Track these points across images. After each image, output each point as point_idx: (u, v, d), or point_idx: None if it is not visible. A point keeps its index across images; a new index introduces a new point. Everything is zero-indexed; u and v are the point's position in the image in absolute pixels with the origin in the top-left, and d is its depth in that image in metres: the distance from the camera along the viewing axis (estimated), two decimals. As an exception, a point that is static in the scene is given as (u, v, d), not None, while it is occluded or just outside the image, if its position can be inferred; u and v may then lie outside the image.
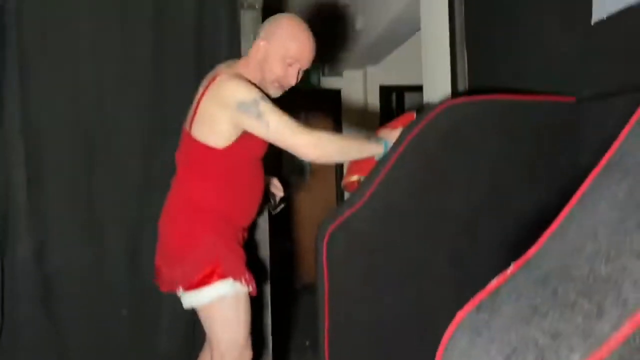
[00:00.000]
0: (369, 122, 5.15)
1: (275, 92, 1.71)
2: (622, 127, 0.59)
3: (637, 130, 0.51)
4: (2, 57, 1.90)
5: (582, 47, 1.55)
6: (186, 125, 1.72)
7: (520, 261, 0.51)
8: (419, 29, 2.88)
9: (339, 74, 5.26)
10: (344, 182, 1.77)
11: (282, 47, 1.62)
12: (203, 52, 2.11)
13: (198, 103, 1.64)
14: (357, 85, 5.22)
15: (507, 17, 1.94)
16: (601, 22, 1.48)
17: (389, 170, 1.44)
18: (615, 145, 0.54)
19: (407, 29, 3.49)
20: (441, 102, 1.49)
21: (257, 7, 2.12)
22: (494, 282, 0.53)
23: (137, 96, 2.07)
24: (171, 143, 2.02)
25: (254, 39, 2.01)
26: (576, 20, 1.56)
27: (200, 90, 1.67)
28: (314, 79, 5.17)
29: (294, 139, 1.54)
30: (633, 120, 0.56)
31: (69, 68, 2.00)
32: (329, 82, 5.27)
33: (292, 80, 1.68)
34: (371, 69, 5.06)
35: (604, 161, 0.53)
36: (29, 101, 1.94)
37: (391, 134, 1.61)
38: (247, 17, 2.12)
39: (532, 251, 0.51)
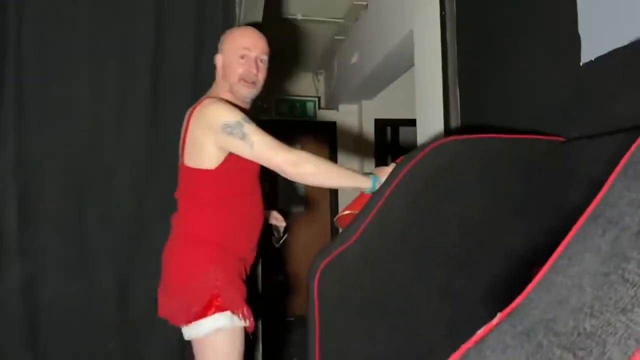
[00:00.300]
0: (364, 154, 5.18)
1: (248, 92, 1.78)
2: (610, 167, 0.59)
3: (621, 180, 0.52)
4: (0, 93, 1.91)
5: (571, 87, 1.58)
6: (179, 160, 1.76)
7: (506, 311, 0.51)
8: (413, 65, 2.92)
9: (335, 108, 5.32)
10: (337, 216, 1.77)
11: (230, 49, 1.76)
12: (199, 88, 2.13)
13: (185, 133, 1.70)
14: (352, 118, 5.27)
15: (499, 56, 1.97)
16: (590, 63, 1.50)
17: (380, 207, 1.44)
18: (600, 195, 0.54)
19: (401, 64, 3.55)
20: (432, 140, 1.50)
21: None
22: (480, 332, 0.52)
23: (131, 130, 2.08)
24: (164, 177, 2.02)
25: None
26: (566, 61, 1.59)
27: (185, 121, 1.73)
28: (310, 110, 5.23)
29: (276, 157, 1.57)
30: (617, 169, 0.56)
31: (65, 102, 2.01)
32: (325, 114, 5.33)
33: (252, 70, 1.75)
34: (366, 103, 5.11)
35: (588, 211, 0.53)
36: (25, 135, 1.95)
37: (383, 171, 1.63)
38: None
39: (517, 301, 0.51)
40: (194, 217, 1.72)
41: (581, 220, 0.52)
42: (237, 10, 2.17)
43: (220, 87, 1.79)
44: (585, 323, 0.40)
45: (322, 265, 1.43)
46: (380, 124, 5.18)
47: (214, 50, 2.14)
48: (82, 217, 2.03)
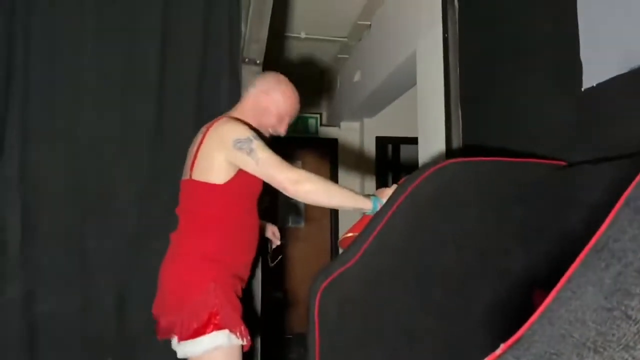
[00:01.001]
0: (365, 172, 5.19)
1: (268, 136, 1.89)
2: (611, 192, 0.60)
3: (624, 213, 0.52)
4: (6, 106, 1.92)
5: (573, 112, 1.59)
6: (185, 176, 1.79)
7: (510, 342, 0.51)
8: (414, 84, 2.95)
9: (337, 125, 5.34)
10: (340, 239, 1.78)
11: (280, 103, 1.85)
12: (203, 105, 2.15)
13: (197, 149, 1.73)
14: (353, 135, 5.29)
15: (501, 79, 1.99)
16: (591, 89, 1.52)
17: (381, 228, 1.44)
18: (604, 226, 0.54)
19: (403, 83, 3.58)
20: (434, 162, 1.51)
21: (258, 62, 2.17)
22: (483, 362, 0.52)
23: (135, 146, 2.08)
24: (165, 193, 2.03)
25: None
26: (567, 86, 1.60)
27: (199, 137, 1.76)
28: (312, 127, 5.25)
29: (279, 175, 1.62)
30: (620, 201, 0.57)
31: (69, 118, 2.02)
32: (326, 131, 5.35)
33: (283, 131, 1.90)
34: (368, 121, 5.14)
35: (592, 242, 0.54)
36: (29, 147, 1.96)
37: (384, 192, 1.67)
38: (248, 72, 2.17)
39: (520, 332, 0.51)
40: (196, 234, 1.74)
41: (585, 252, 0.53)
42: (242, 28, 2.20)
43: (248, 115, 1.84)
44: (589, 359, 0.41)
45: (323, 286, 1.43)
46: (381, 142, 5.20)
47: (219, 67, 2.16)
48: (83, 232, 2.02)
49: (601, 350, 0.40)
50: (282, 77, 1.91)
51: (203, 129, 1.78)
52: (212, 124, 1.75)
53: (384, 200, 1.61)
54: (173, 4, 2.12)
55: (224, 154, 1.67)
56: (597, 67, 1.51)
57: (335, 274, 1.44)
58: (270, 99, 1.84)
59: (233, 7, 2.19)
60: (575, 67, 1.57)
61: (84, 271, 2.02)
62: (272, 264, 2.09)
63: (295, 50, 4.31)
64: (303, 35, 3.99)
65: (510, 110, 1.92)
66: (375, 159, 5.18)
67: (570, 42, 1.59)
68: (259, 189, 1.83)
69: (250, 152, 1.63)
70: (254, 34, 2.14)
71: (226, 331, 1.61)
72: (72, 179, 2.02)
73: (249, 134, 1.67)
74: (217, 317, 1.60)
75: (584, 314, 0.44)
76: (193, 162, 1.74)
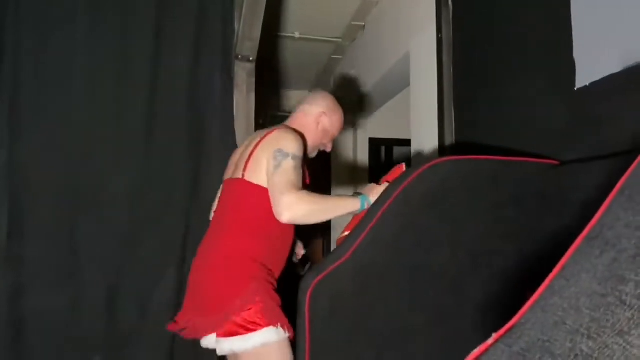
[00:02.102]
0: (358, 173, 5.18)
1: (314, 154, 2.00)
2: (604, 190, 0.59)
3: (618, 202, 0.52)
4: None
5: (566, 111, 1.59)
6: (235, 175, 1.84)
7: (502, 331, 0.50)
8: (408, 86, 2.95)
9: (330, 126, 5.33)
10: (338, 237, 1.78)
11: (336, 126, 1.99)
12: (196, 102, 2.13)
13: (253, 150, 1.77)
14: (347, 137, 5.29)
15: (494, 79, 1.99)
16: (584, 88, 1.52)
17: (373, 226, 1.44)
18: (598, 215, 0.54)
19: (397, 85, 3.58)
20: (427, 161, 1.51)
21: (251, 59, 2.16)
22: (475, 352, 0.51)
23: (126, 144, 2.06)
24: (157, 190, 2.01)
25: (247, 90, 2.05)
26: (560, 86, 1.60)
27: (256, 139, 1.81)
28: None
29: (280, 197, 1.63)
30: (615, 190, 0.56)
31: (60, 112, 2.00)
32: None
33: (328, 148, 2.03)
34: (361, 122, 5.14)
35: (585, 231, 0.53)
36: (18, 143, 1.93)
37: (374, 190, 1.69)
38: (241, 69, 2.15)
39: (513, 321, 0.51)
40: (240, 234, 1.77)
41: (578, 241, 0.52)
42: (236, 26, 2.19)
43: (307, 134, 1.92)
44: (582, 345, 0.40)
45: (315, 282, 1.42)
46: (374, 143, 5.20)
47: (211, 63, 2.15)
48: (73, 229, 2.00)
49: (595, 336, 0.40)
50: (336, 100, 2.03)
51: (257, 136, 1.84)
52: (272, 131, 1.80)
53: (372, 199, 1.61)
54: (166, 0, 2.11)
55: (267, 157, 1.73)
56: (590, 67, 1.51)
57: (326, 272, 1.43)
58: (331, 122, 1.96)
59: (226, 4, 2.18)
60: (568, 67, 1.57)
61: (72, 270, 1.99)
62: (303, 272, 2.09)
63: (289, 50, 4.30)
64: (297, 35, 3.98)
65: (504, 110, 1.92)
66: (368, 161, 5.18)
67: (564, 41, 1.59)
68: (307, 182, 1.88)
69: (276, 166, 1.68)
70: (247, 31, 2.13)
71: (274, 327, 1.66)
72: (62, 177, 1.99)
73: (293, 150, 1.71)
74: (265, 314, 1.65)
75: (578, 300, 0.44)
76: (247, 162, 1.77)
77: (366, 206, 1.66)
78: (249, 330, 1.64)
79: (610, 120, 1.43)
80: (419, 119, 2.74)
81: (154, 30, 2.10)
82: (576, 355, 0.40)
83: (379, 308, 1.46)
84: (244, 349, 1.66)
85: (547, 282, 0.50)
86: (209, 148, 2.13)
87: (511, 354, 0.46)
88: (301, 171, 1.73)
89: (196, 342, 2.14)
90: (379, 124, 5.05)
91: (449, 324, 1.51)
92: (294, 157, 1.70)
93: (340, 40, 4.16)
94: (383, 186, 1.67)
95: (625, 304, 0.39)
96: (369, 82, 3.87)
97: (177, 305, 2.09)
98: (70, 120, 2.00)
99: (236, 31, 2.19)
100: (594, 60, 1.50)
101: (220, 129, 2.13)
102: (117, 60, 2.07)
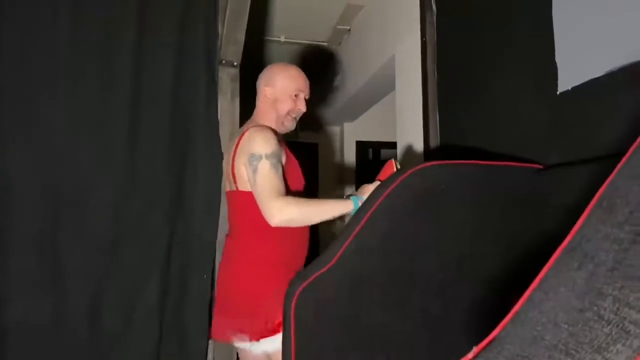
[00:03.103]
0: (345, 175, 5.18)
1: (291, 125, 1.95)
2: (587, 195, 0.59)
3: (597, 213, 0.52)
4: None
5: (549, 115, 1.60)
6: (229, 187, 1.86)
7: (482, 345, 0.50)
8: (394, 89, 2.95)
9: (317, 130, 5.33)
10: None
11: (286, 87, 1.89)
12: (179, 107, 2.11)
13: (233, 160, 1.79)
14: (334, 140, 5.29)
15: (478, 83, 2.00)
16: (566, 93, 1.53)
17: (358, 232, 1.43)
18: (577, 226, 0.54)
19: (383, 87, 3.59)
20: (412, 165, 1.50)
21: (235, 64, 2.14)
22: (456, 365, 0.51)
23: (109, 149, 2.02)
24: (141, 196, 1.98)
25: (232, 95, 2.04)
26: (543, 90, 1.61)
27: (231, 152, 1.82)
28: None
29: (266, 204, 1.65)
30: (593, 201, 0.56)
31: (41, 119, 1.96)
32: (307, 135, 5.33)
33: (302, 108, 1.94)
34: (348, 125, 5.14)
35: (565, 242, 0.53)
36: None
37: (365, 189, 1.71)
38: (225, 74, 2.14)
39: (493, 334, 0.50)
40: (253, 241, 1.80)
41: (557, 252, 0.52)
42: (219, 29, 2.17)
43: (266, 116, 1.91)
44: (561, 361, 0.40)
45: (300, 288, 1.41)
46: (361, 146, 5.20)
47: (195, 68, 2.13)
48: (55, 237, 1.96)
49: (573, 352, 0.39)
50: (276, 64, 1.97)
51: (236, 138, 1.83)
52: (243, 133, 1.79)
53: (364, 197, 1.61)
54: (149, 3, 2.08)
55: (245, 165, 1.74)
56: (572, 71, 1.52)
57: (312, 278, 1.42)
58: (277, 89, 1.89)
59: (210, 7, 2.16)
60: (551, 71, 1.58)
61: (56, 277, 1.95)
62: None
63: (275, 54, 4.29)
64: (283, 39, 3.97)
65: (487, 113, 1.93)
66: (355, 163, 5.18)
67: (546, 46, 1.60)
68: (301, 186, 1.89)
69: (253, 171, 1.68)
70: (231, 35, 2.11)
71: None
72: (44, 182, 1.95)
73: (264, 150, 1.70)
74: None
75: (556, 315, 0.43)
76: (233, 174, 1.79)
77: (360, 205, 1.63)
78: (277, 332, 1.70)
79: (592, 124, 1.44)
80: (404, 121, 2.75)
81: (136, 33, 2.07)
82: (554, 371, 0.39)
83: (365, 314, 1.46)
84: (273, 349, 1.73)
85: (526, 294, 0.50)
86: (193, 153, 2.11)
87: (491, 369, 0.45)
88: (280, 168, 1.73)
89: (182, 348, 2.13)
90: (365, 127, 5.05)
91: (436, 329, 1.51)
92: (267, 157, 1.69)
93: (325, 44, 4.16)
94: (375, 184, 1.69)
95: (603, 319, 0.39)
96: (355, 85, 3.88)
97: (162, 311, 2.07)
98: (52, 126, 1.96)
99: (220, 34, 2.18)
100: (576, 64, 1.50)
101: (204, 135, 2.11)
102: (98, 65, 2.04)
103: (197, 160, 2.11)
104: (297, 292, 1.42)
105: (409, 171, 1.48)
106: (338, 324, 1.45)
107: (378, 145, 5.19)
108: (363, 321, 1.45)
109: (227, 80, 2.14)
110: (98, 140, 2.02)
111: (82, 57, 2.01)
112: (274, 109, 1.90)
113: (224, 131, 2.12)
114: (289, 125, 1.95)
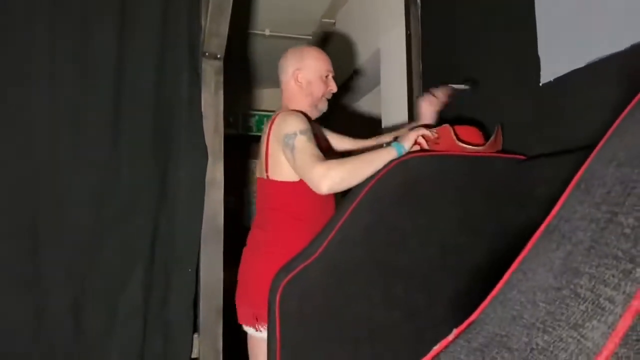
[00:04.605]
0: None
1: (324, 107, 1.93)
2: (569, 184, 0.60)
3: (575, 194, 0.52)
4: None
5: (532, 106, 1.61)
6: (260, 174, 1.83)
7: (462, 326, 0.50)
8: (379, 84, 2.95)
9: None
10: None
11: (316, 70, 1.89)
12: (162, 100, 2.08)
13: (266, 148, 1.76)
14: (319, 134, 5.27)
15: (461, 74, 2.01)
16: (549, 84, 1.54)
17: (343, 224, 1.43)
18: (556, 208, 0.54)
19: (368, 81, 3.58)
20: (396, 157, 1.51)
21: (218, 56, 2.12)
22: (436, 348, 0.51)
23: (91, 144, 1.99)
24: (124, 193, 1.96)
25: (215, 88, 2.01)
26: (526, 81, 1.63)
27: (264, 138, 1.80)
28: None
29: (310, 174, 1.57)
30: (572, 183, 0.56)
31: (20, 115, 1.91)
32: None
33: (334, 88, 1.94)
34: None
35: (544, 225, 0.53)
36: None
37: (407, 136, 1.61)
38: (209, 66, 2.12)
39: (473, 316, 0.50)
40: (276, 229, 1.77)
41: (537, 234, 0.52)
42: (202, 22, 2.15)
43: (299, 102, 1.89)
44: (538, 339, 0.40)
45: (285, 281, 1.41)
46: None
47: (178, 60, 2.10)
48: (35, 235, 1.91)
49: (550, 330, 0.39)
50: (297, 48, 1.96)
51: (268, 124, 1.80)
52: (274, 119, 1.76)
53: (407, 145, 1.56)
54: (130, -4, 2.05)
55: (281, 150, 1.70)
56: (554, 63, 1.54)
57: (296, 270, 1.42)
58: (307, 73, 1.88)
59: (193, 0, 2.14)
60: (533, 63, 1.59)
61: (36, 274, 1.92)
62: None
63: (260, 47, 4.27)
64: (267, 32, 3.95)
65: (471, 107, 1.93)
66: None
67: (529, 39, 1.61)
68: None
69: (292, 149, 1.64)
70: (214, 28, 2.09)
71: None
72: (23, 181, 1.91)
73: (297, 127, 1.66)
74: None
75: (535, 295, 0.44)
76: (266, 162, 1.76)
77: (402, 153, 1.56)
78: None
79: (574, 114, 1.45)
80: (389, 115, 2.75)
81: (117, 26, 2.03)
82: (532, 349, 0.39)
83: (350, 306, 1.46)
84: None
85: (506, 276, 0.50)
86: (176, 147, 2.08)
87: (470, 349, 0.45)
88: (314, 141, 1.67)
89: (167, 344, 2.11)
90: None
91: (421, 319, 1.52)
92: (301, 132, 1.65)
93: (310, 37, 4.15)
94: (416, 132, 1.60)
95: (579, 297, 0.39)
96: (341, 79, 3.87)
97: (146, 307, 2.04)
98: (30, 124, 1.92)
99: (203, 27, 2.15)
100: (557, 56, 1.52)
101: (188, 128, 2.08)
102: (78, 60, 2.00)
103: (181, 154, 2.08)
104: (282, 285, 1.42)
105: (393, 163, 1.49)
106: (323, 316, 1.45)
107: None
108: (347, 312, 1.45)
109: (211, 73, 2.11)
110: (79, 135, 1.98)
111: (61, 51, 1.97)
112: (308, 93, 1.88)
113: (207, 124, 2.10)
114: (322, 108, 1.93)
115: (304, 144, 1.63)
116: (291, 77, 1.90)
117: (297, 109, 1.85)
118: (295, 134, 1.65)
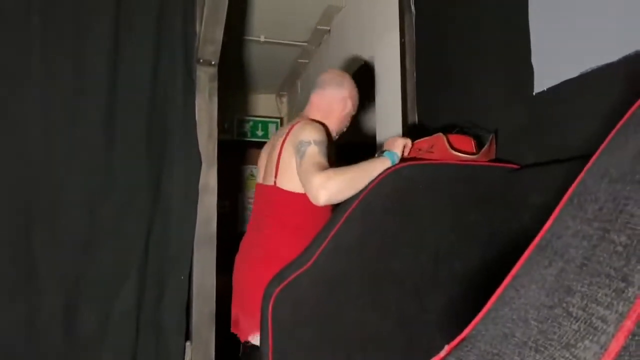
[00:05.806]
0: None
1: (337, 135, 1.99)
2: (562, 194, 0.60)
3: (567, 210, 0.52)
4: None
5: (525, 115, 1.62)
6: (267, 181, 1.81)
7: (454, 343, 0.50)
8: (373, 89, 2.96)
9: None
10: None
11: (355, 105, 1.97)
12: (156, 106, 2.07)
13: (279, 155, 1.75)
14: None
15: (456, 83, 2.02)
16: (542, 93, 1.55)
17: (336, 233, 1.43)
18: (548, 224, 0.54)
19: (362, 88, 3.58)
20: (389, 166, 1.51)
21: (213, 63, 2.12)
22: (428, 364, 0.51)
23: (86, 149, 1.98)
24: (118, 197, 1.95)
25: (209, 94, 2.00)
26: (519, 91, 1.63)
27: (279, 140, 1.78)
28: (272, 132, 5.21)
29: (310, 183, 1.55)
30: (564, 199, 0.56)
31: (13, 116, 1.91)
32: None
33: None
34: (328, 125, 5.13)
35: (536, 240, 0.53)
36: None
37: (395, 142, 1.66)
38: (203, 72, 2.11)
39: (465, 333, 0.50)
40: (278, 238, 1.74)
41: (529, 250, 0.52)
42: (197, 28, 2.15)
43: (331, 122, 1.90)
44: (530, 358, 0.39)
45: (277, 290, 1.41)
46: (341, 146, 5.20)
47: (172, 67, 2.10)
48: (30, 238, 1.90)
49: (542, 349, 0.39)
50: (347, 75, 2.00)
51: (285, 131, 1.79)
52: (292, 127, 1.76)
53: (398, 151, 1.60)
54: (125, 1, 2.05)
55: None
56: (547, 72, 1.54)
57: (289, 279, 1.42)
58: (353, 106, 1.95)
59: (187, 5, 2.13)
60: (527, 72, 1.60)
61: (30, 277, 1.91)
62: None
63: (255, 53, 4.27)
64: (262, 38, 3.95)
65: (465, 114, 1.94)
66: (336, 164, 5.17)
67: (522, 48, 1.62)
68: None
69: (301, 156, 1.63)
70: (209, 34, 2.09)
71: None
72: (17, 182, 1.90)
73: (313, 137, 1.66)
74: None
75: (527, 312, 0.43)
76: (277, 167, 1.75)
77: (396, 160, 1.58)
78: None
79: (567, 124, 1.45)
80: (383, 122, 2.75)
81: (112, 32, 2.03)
82: (524, 368, 0.39)
83: (342, 315, 1.45)
84: None
85: (498, 292, 0.50)
86: (170, 153, 2.08)
87: (462, 367, 0.45)
88: (326, 154, 1.66)
89: (159, 349, 2.10)
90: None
91: (413, 327, 1.51)
92: (316, 143, 1.65)
93: (306, 44, 4.15)
94: (403, 139, 1.65)
95: (571, 316, 0.39)
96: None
97: (139, 311, 2.03)
98: (25, 128, 1.92)
99: (198, 33, 2.15)
100: (551, 65, 1.52)
101: (182, 134, 2.08)
102: (73, 64, 1.99)
103: (175, 160, 2.08)
104: (275, 293, 1.41)
105: (386, 171, 1.49)
106: (315, 324, 1.44)
107: (357, 146, 5.19)
108: (340, 321, 1.45)
109: (205, 80, 2.11)
110: (73, 139, 1.98)
111: (56, 56, 1.97)
112: (341, 120, 1.94)
113: (201, 130, 2.10)
114: (336, 136, 1.98)
115: (314, 153, 1.63)
116: (340, 100, 1.91)
117: (324, 122, 1.86)
118: (309, 142, 1.65)
